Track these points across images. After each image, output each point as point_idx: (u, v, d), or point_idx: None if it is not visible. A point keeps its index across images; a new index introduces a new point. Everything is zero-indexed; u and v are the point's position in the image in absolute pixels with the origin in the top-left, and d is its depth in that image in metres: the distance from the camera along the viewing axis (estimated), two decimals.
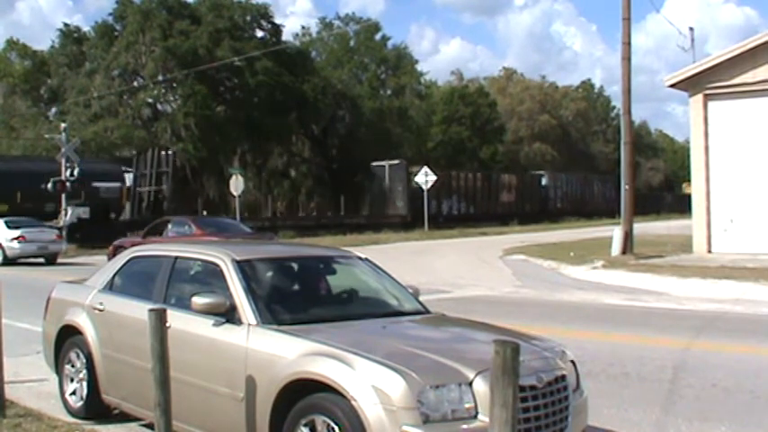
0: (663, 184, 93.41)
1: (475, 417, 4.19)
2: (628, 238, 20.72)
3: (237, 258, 5.48)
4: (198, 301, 5.11)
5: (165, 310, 4.76)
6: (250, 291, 5.20)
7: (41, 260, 25.76)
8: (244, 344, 4.90)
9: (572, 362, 4.96)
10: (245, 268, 5.41)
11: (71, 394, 6.54)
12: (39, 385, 7.20)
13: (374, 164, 50.56)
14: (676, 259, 19.23)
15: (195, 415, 5.17)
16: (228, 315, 5.09)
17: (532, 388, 4.40)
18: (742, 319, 11.60)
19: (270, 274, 5.69)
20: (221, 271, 5.41)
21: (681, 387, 7.23)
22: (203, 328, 5.17)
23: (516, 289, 16.30)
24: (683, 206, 46.49)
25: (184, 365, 5.17)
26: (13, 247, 25.05)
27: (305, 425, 4.38)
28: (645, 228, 31.83)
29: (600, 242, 24.47)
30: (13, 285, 12.12)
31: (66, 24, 61.82)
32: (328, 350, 4.46)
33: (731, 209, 19.96)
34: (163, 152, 40.63)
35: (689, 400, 6.82)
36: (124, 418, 6.25)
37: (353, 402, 4.16)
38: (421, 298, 6.10)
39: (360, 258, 6.34)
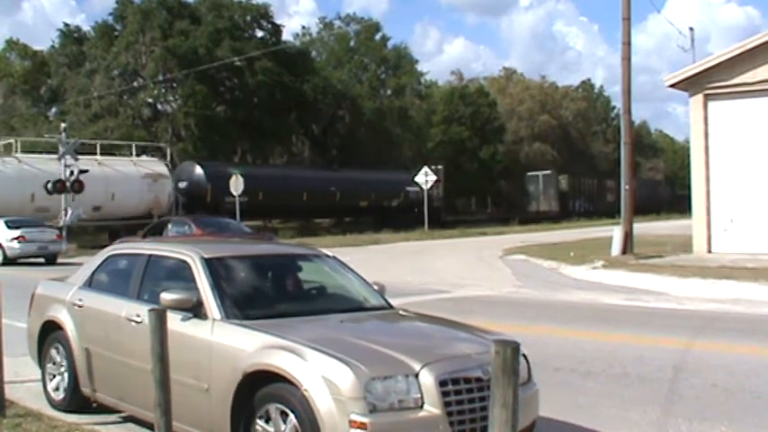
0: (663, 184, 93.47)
1: (421, 407, 4.39)
2: (628, 238, 20.70)
3: (206, 256, 5.72)
4: (166, 297, 5.33)
5: (165, 311, 4.84)
6: (216, 287, 5.43)
7: (41, 260, 25.76)
8: (208, 337, 5.15)
9: (524, 356, 5.08)
10: (212, 265, 5.64)
11: (53, 387, 6.77)
12: (39, 385, 7.19)
13: (529, 173, 66.20)
14: (676, 259, 19.22)
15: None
16: (195, 310, 5.34)
17: (478, 380, 4.58)
18: (742, 319, 11.59)
19: (238, 271, 5.92)
20: (190, 268, 5.64)
21: (681, 387, 7.23)
22: (172, 322, 5.28)
23: (516, 289, 16.29)
24: (682, 206, 47.02)
25: None
26: (13, 247, 25.04)
27: (264, 412, 4.62)
28: (645, 228, 31.82)
29: (600, 242, 24.47)
30: (13, 285, 12.11)
31: (66, 24, 61.87)
32: (284, 343, 4.69)
33: (731, 209, 19.95)
34: (433, 166, 51.62)
35: (689, 400, 6.81)
36: (104, 410, 6.34)
37: (305, 392, 4.39)
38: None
39: (327, 256, 6.59)
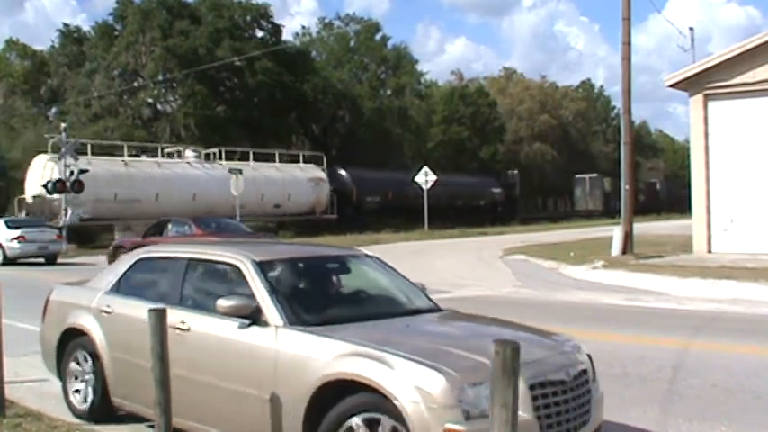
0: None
1: None
2: (628, 238, 20.69)
3: (257, 259, 5.45)
4: (223, 303, 5.08)
5: (165, 310, 4.77)
6: (274, 292, 5.17)
7: (41, 260, 25.76)
8: (273, 345, 4.87)
9: (588, 356, 5.06)
10: (265, 269, 5.38)
11: (76, 396, 6.48)
12: (39, 385, 7.19)
13: (577, 176, 70.99)
14: (676, 259, 19.21)
15: (223, 418, 5.13)
16: (254, 317, 5.06)
17: (562, 382, 4.52)
18: (742, 318, 11.58)
19: (288, 274, 5.66)
20: (241, 272, 5.37)
21: (681, 387, 7.23)
22: (227, 330, 5.12)
23: (516, 289, 16.28)
24: (682, 206, 47.08)
25: (208, 368, 5.16)
26: (13, 247, 25.05)
27: (351, 423, 4.36)
28: (645, 228, 31.80)
29: (600, 242, 24.45)
30: (13, 285, 12.12)
31: (65, 24, 61.85)
32: (364, 350, 4.46)
33: (731, 209, 19.94)
34: (510, 171, 63.69)
35: (689, 400, 6.81)
36: (128, 418, 6.24)
37: (395, 402, 4.19)
38: None
39: (368, 256, 6.37)
